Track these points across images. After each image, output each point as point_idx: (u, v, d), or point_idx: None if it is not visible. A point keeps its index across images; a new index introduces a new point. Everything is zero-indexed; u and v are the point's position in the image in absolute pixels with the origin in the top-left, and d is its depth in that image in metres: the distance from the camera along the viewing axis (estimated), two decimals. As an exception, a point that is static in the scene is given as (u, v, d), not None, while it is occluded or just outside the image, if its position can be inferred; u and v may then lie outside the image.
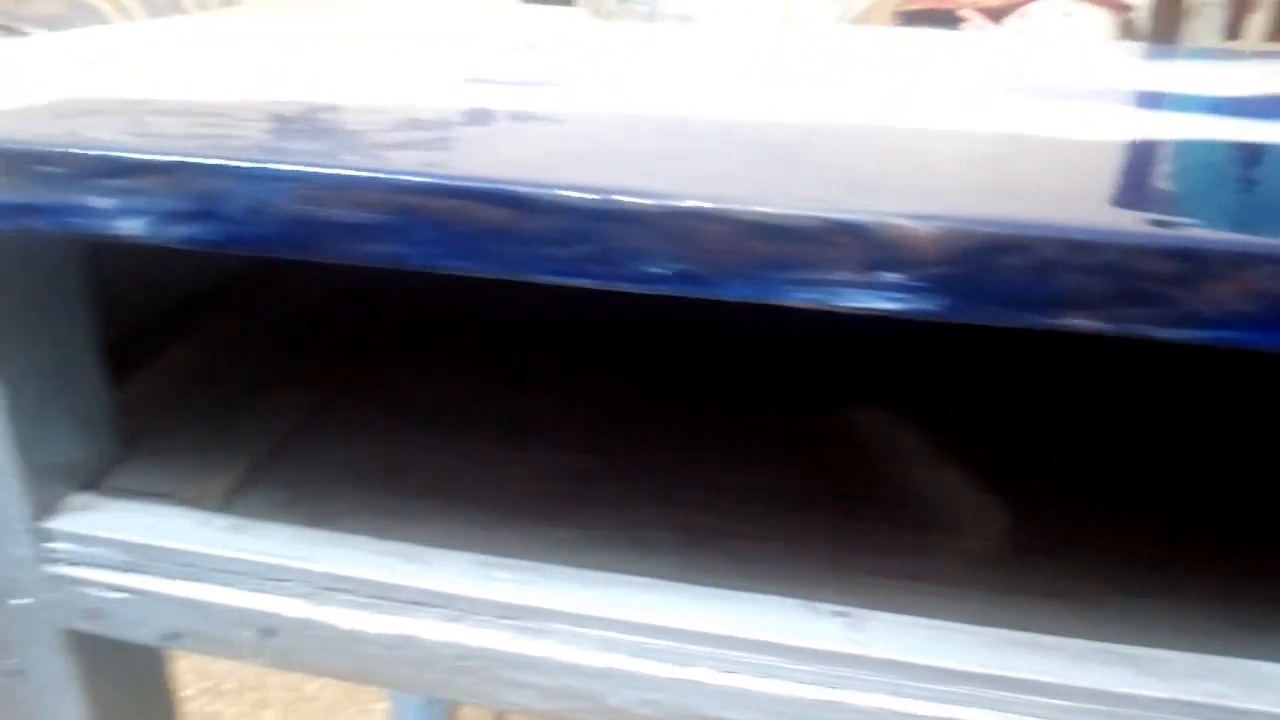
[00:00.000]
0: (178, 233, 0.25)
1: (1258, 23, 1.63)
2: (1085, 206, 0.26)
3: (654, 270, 0.24)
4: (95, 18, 1.74)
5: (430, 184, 0.24)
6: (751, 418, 0.46)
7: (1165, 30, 1.58)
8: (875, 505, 0.40)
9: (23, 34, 1.64)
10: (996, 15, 1.54)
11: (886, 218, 0.22)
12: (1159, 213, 0.25)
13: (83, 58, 0.40)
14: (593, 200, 0.23)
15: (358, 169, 0.24)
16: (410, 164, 0.25)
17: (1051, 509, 0.40)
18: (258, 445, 0.40)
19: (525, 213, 0.24)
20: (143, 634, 0.36)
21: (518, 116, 0.33)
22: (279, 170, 0.24)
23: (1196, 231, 0.23)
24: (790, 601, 0.33)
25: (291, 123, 0.30)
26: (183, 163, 0.25)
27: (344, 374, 0.47)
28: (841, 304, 0.23)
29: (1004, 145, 0.32)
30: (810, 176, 0.27)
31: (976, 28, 1.52)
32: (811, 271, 0.23)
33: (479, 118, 0.33)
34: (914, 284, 0.23)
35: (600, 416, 0.45)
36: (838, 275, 0.23)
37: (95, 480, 0.37)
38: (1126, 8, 1.56)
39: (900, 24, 1.60)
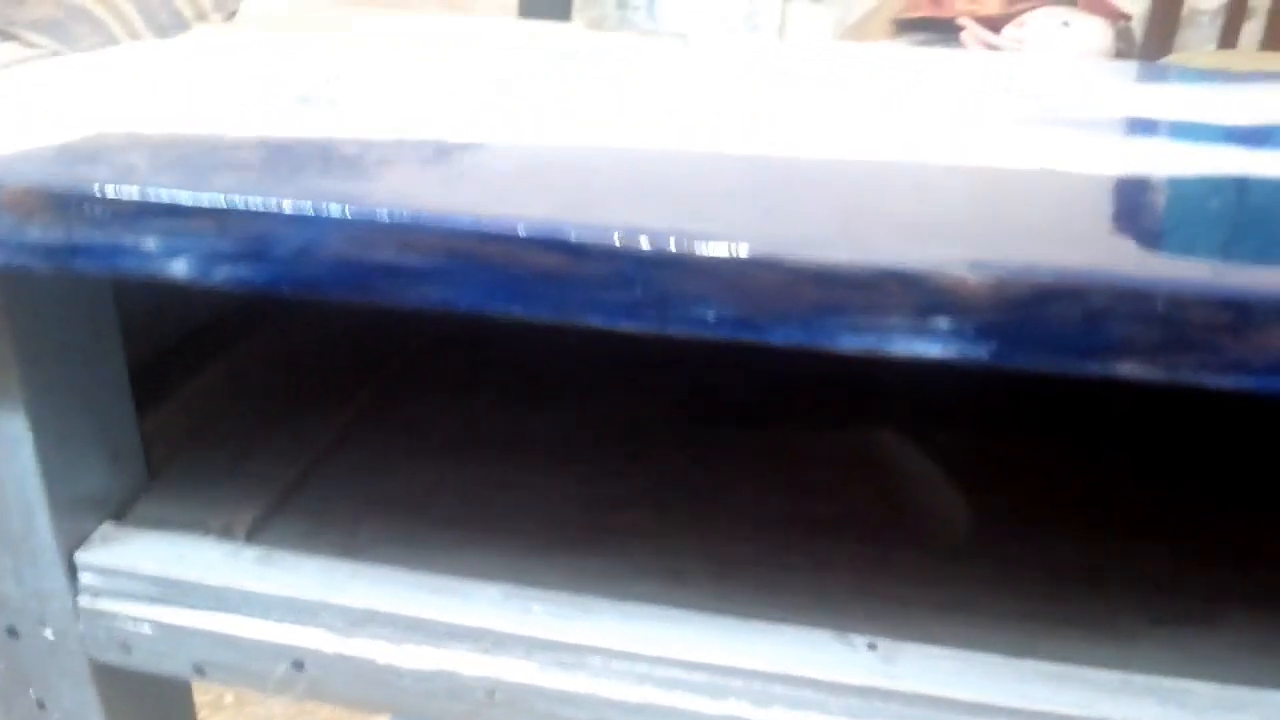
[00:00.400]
0: (225, 274, 0.25)
1: (1252, 31, 1.64)
2: (1132, 252, 0.26)
3: (706, 315, 0.24)
4: (89, 21, 1.73)
5: (483, 230, 0.24)
6: (778, 441, 0.46)
7: (1160, 40, 1.59)
8: (901, 532, 0.40)
9: (16, 38, 1.63)
10: (994, 24, 1.54)
11: (941, 266, 0.23)
12: (1204, 257, 0.25)
13: (102, 85, 0.40)
14: (646, 247, 0.23)
15: (407, 212, 0.24)
16: (458, 206, 0.25)
17: (1081, 537, 0.40)
18: (282, 474, 0.40)
19: (579, 258, 0.24)
20: (171, 667, 0.35)
21: (552, 152, 0.33)
22: (328, 215, 0.24)
23: (1246, 279, 0.23)
24: (823, 633, 0.33)
25: (331, 160, 0.30)
26: (231, 205, 0.24)
27: (367, 400, 0.47)
28: (893, 350, 0.23)
29: (1037, 183, 0.32)
30: (853, 220, 0.27)
31: (974, 36, 1.53)
32: (864, 318, 0.23)
33: (514, 154, 0.33)
34: (966, 331, 0.23)
35: (625, 442, 0.45)
36: (890, 322, 0.23)
37: (122, 511, 0.37)
38: (1124, 17, 1.56)
39: (897, 33, 1.60)
